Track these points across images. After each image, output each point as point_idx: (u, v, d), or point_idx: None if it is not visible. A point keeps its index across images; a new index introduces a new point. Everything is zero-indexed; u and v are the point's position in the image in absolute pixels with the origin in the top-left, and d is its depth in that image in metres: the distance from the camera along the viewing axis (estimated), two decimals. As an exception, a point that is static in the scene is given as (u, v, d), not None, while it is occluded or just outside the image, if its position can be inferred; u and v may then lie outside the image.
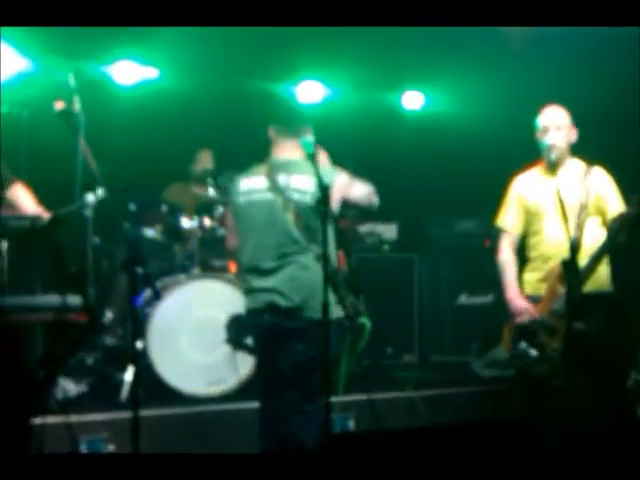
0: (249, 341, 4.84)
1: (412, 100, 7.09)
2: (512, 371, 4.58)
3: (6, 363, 3.45)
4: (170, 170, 5.89)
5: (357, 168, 3.99)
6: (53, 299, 3.48)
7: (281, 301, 3.81)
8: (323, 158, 3.97)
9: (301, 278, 3.79)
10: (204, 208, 5.52)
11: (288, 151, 3.94)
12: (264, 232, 3.86)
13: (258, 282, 3.88)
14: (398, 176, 6.72)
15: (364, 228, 6.44)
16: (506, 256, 4.43)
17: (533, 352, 4.14)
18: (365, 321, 3.76)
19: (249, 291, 3.94)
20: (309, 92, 6.55)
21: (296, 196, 3.83)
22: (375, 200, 4.03)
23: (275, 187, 3.85)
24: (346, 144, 5.06)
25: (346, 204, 3.92)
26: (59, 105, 3.76)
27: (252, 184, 3.94)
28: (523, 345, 4.17)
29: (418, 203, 6.81)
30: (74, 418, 4.12)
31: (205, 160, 5.87)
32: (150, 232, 5.50)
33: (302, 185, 3.83)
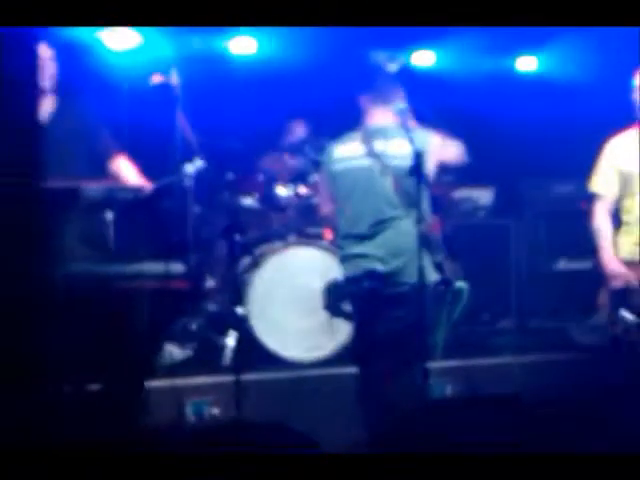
0: (346, 308, 4.89)
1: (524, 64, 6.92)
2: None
3: (116, 329, 3.57)
4: (265, 140, 5.94)
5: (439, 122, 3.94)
6: (157, 267, 3.58)
7: (380, 266, 3.81)
8: (413, 120, 3.93)
9: (400, 243, 3.78)
10: (298, 177, 5.54)
11: (382, 118, 3.92)
12: (362, 198, 3.86)
13: (356, 248, 3.89)
14: (493, 140, 6.59)
15: (458, 194, 6.34)
16: (601, 220, 4.34)
17: (630, 317, 4.04)
18: (463, 285, 3.73)
19: (347, 257, 3.95)
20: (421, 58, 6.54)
21: (394, 162, 3.81)
22: (465, 158, 3.99)
23: (372, 153, 3.84)
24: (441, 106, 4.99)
25: (441, 166, 3.90)
26: (156, 79, 3.84)
27: (347, 151, 3.94)
28: (620, 310, 4.07)
29: (513, 167, 6.66)
30: (179, 381, 4.22)
31: (298, 130, 5.90)
32: (247, 200, 5.55)
33: (399, 151, 3.80)
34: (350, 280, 3.96)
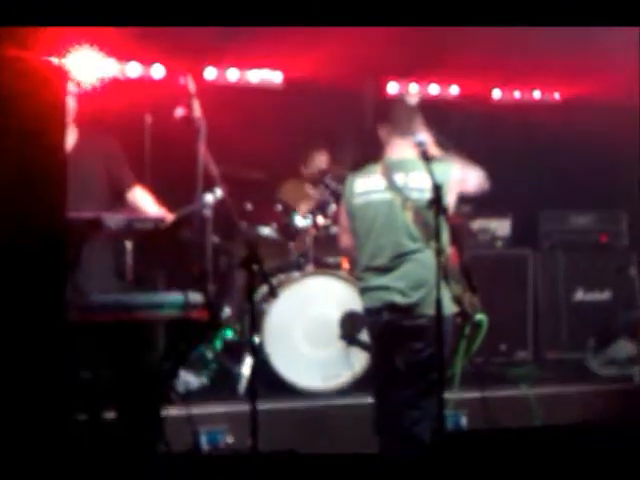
0: (363, 337, 4.88)
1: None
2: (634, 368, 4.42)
3: (134, 358, 3.56)
4: (284, 170, 5.96)
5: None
6: (176, 296, 3.56)
7: (400, 299, 3.81)
8: (434, 150, 3.93)
9: (420, 275, 3.78)
10: (317, 207, 5.54)
11: (402, 150, 3.92)
12: (383, 231, 3.86)
13: (376, 280, 3.88)
14: (512, 170, 6.59)
15: (477, 224, 6.32)
16: None
17: None
18: (482, 318, 3.71)
19: (367, 289, 3.95)
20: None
21: (414, 195, 3.80)
22: (487, 186, 3.99)
23: (393, 186, 3.84)
24: (458, 131, 4.98)
25: (462, 197, 3.90)
26: (180, 112, 3.87)
27: (369, 184, 3.94)
28: None
29: (532, 198, 6.65)
30: (195, 410, 4.21)
31: (319, 161, 5.91)
32: (266, 230, 5.56)
33: (420, 184, 3.80)
34: (369, 311, 3.96)
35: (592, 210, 6.43)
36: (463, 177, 3.89)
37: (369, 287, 3.93)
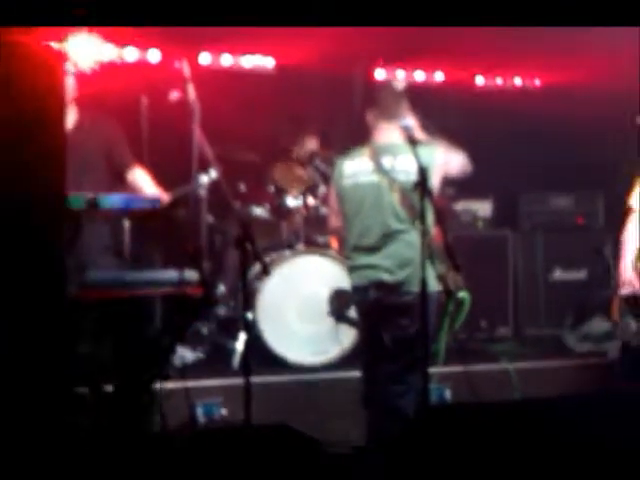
0: (351, 314, 4.87)
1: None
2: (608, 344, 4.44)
3: (133, 333, 3.55)
4: (276, 153, 5.93)
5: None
6: (172, 274, 3.56)
7: (387, 277, 3.81)
8: (419, 134, 3.92)
9: (406, 255, 3.78)
10: (307, 188, 5.52)
11: (389, 134, 3.92)
12: (370, 212, 3.86)
13: (364, 259, 3.88)
14: (493, 153, 6.57)
15: (459, 206, 6.32)
16: (630, 234, 4.31)
17: (634, 324, 4.03)
18: (465, 295, 3.71)
19: (354, 268, 3.95)
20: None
21: (401, 177, 3.80)
22: (469, 167, 4.00)
23: (380, 169, 3.84)
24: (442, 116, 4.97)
25: (446, 179, 3.90)
26: (175, 95, 3.85)
27: (357, 167, 3.94)
28: (627, 317, 4.07)
29: (512, 180, 6.64)
30: (191, 383, 4.20)
31: (309, 144, 5.88)
32: (258, 210, 5.54)
33: (406, 167, 3.79)
34: (357, 289, 3.96)
35: (570, 192, 6.42)
36: (447, 160, 3.89)
37: (357, 266, 3.93)
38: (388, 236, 3.83)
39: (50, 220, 2.86)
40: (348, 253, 4.00)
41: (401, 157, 3.82)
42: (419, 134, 3.88)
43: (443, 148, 3.90)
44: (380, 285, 3.83)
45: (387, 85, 4.88)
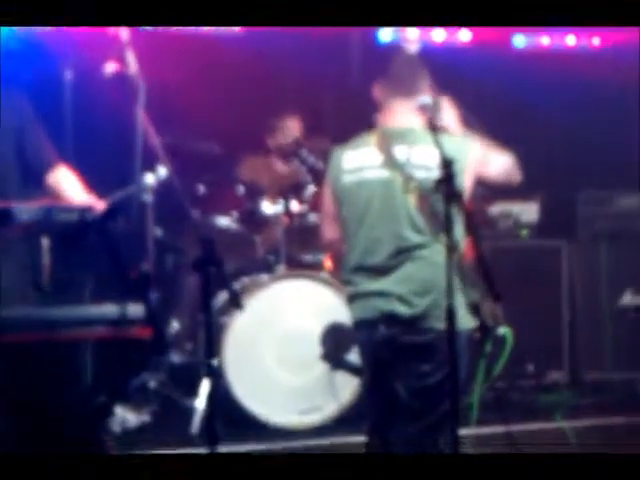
0: (351, 358, 4.89)
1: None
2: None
3: (52, 393, 3.55)
4: (246, 141, 5.96)
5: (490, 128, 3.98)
6: (109, 309, 3.55)
7: (401, 308, 3.82)
8: (452, 120, 3.97)
9: (427, 278, 3.80)
10: (290, 188, 5.55)
11: (404, 116, 3.93)
12: (379, 219, 3.87)
13: (370, 284, 3.89)
14: (539, 137, 6.62)
15: (496, 208, 6.39)
16: None
17: None
18: (507, 332, 3.72)
19: (357, 296, 3.96)
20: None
21: (419, 174, 3.81)
22: (517, 176, 4.05)
23: (392, 162, 3.85)
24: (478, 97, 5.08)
25: (480, 183, 3.94)
26: (110, 68, 3.87)
27: (361, 159, 3.94)
28: None
29: (566, 174, 6.70)
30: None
31: (291, 129, 5.92)
32: (223, 220, 5.58)
33: (426, 160, 3.81)
34: (361, 324, 3.96)
35: (642, 189, 6.49)
36: (484, 158, 3.92)
37: (361, 293, 3.94)
38: (402, 253, 3.83)
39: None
40: (348, 276, 4.00)
41: (420, 147, 3.83)
42: (452, 125, 3.94)
43: (482, 144, 3.94)
44: (392, 319, 3.82)
45: (400, 49, 4.93)
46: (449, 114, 4.00)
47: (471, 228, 3.69)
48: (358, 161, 3.95)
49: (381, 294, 3.86)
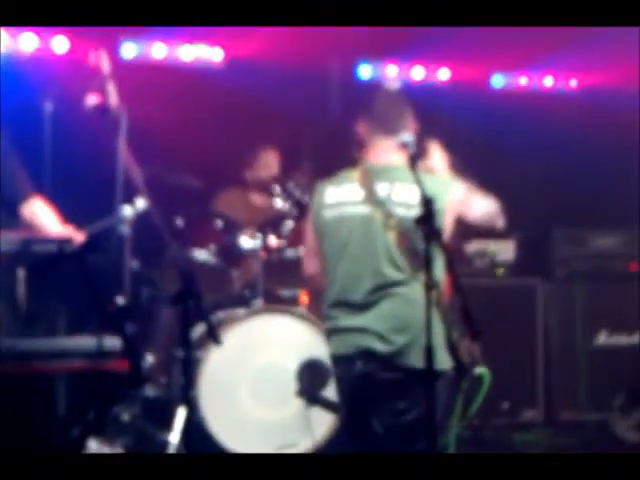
0: (328, 394, 4.87)
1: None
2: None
3: (23, 426, 3.51)
4: (225, 174, 5.95)
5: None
6: (85, 342, 3.55)
7: (379, 345, 3.81)
8: (442, 165, 3.99)
9: (405, 315, 3.79)
10: (268, 223, 5.54)
11: (387, 154, 3.94)
12: (358, 255, 3.87)
13: (348, 320, 3.89)
14: (515, 177, 6.65)
15: (472, 247, 6.39)
16: None
17: None
18: (484, 372, 3.71)
19: (335, 331, 3.95)
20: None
21: (399, 211, 3.82)
22: (500, 222, 4.06)
23: (373, 199, 3.86)
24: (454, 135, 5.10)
25: (461, 224, 3.93)
26: (91, 100, 3.86)
27: (343, 194, 3.96)
28: None
29: (542, 213, 6.73)
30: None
31: (269, 162, 5.91)
32: (201, 254, 5.55)
33: (407, 198, 3.82)
34: (338, 360, 3.96)
35: (618, 229, 6.51)
36: (466, 199, 3.92)
37: (339, 328, 3.93)
38: (381, 289, 3.83)
39: None
40: (328, 310, 4.00)
41: (401, 184, 3.84)
42: (441, 169, 3.96)
43: (465, 186, 3.94)
44: (370, 355, 3.81)
45: (384, 87, 4.93)
46: (438, 158, 4.03)
47: (451, 267, 3.68)
48: (340, 196, 3.95)
49: (359, 330, 3.85)
